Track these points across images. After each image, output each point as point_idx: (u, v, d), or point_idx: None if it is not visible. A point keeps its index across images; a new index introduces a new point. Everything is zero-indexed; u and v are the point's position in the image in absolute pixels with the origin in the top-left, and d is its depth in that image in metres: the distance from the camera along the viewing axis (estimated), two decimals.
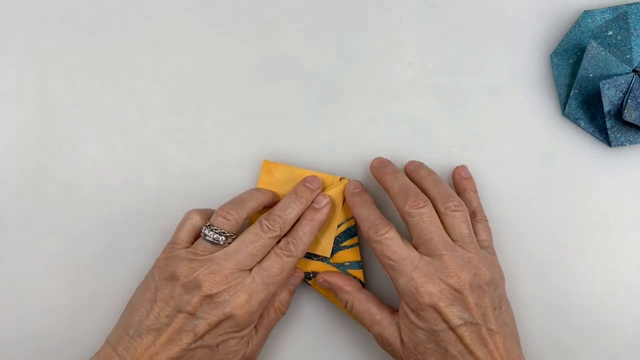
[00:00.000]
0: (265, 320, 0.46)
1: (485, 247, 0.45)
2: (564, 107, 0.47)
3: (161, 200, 0.50)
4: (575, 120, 0.47)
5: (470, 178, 0.48)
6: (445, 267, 0.41)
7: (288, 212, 0.45)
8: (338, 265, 0.47)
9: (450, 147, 0.49)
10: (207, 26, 0.50)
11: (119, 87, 0.50)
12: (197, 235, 0.45)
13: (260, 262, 0.44)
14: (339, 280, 0.46)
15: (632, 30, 0.46)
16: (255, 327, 0.45)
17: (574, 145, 0.48)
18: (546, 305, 0.48)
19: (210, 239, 0.43)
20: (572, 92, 0.47)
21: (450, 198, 0.44)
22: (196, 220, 0.45)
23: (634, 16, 0.46)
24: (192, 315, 0.42)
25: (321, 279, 0.46)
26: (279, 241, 0.45)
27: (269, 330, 0.46)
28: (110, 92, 0.50)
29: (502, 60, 0.48)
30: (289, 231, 0.45)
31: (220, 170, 0.50)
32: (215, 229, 0.43)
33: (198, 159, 0.50)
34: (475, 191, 0.47)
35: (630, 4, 0.46)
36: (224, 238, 0.43)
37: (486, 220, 0.46)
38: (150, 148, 0.50)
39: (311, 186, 0.46)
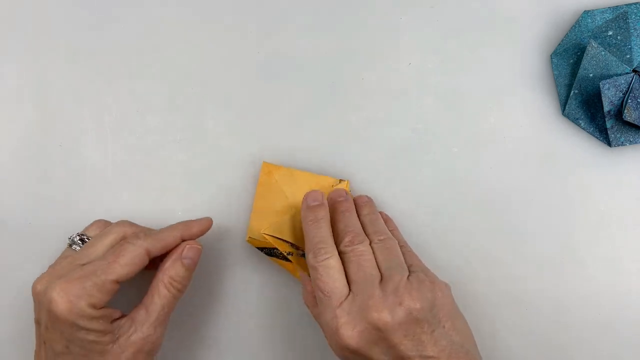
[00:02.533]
0: (157, 304, 0.42)
1: (415, 271, 0.42)
2: (564, 107, 0.47)
3: (161, 200, 0.50)
4: (575, 120, 0.47)
5: (373, 215, 0.45)
6: (368, 305, 0.39)
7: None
8: None
9: (450, 147, 0.49)
10: (207, 26, 0.50)
11: (119, 87, 0.50)
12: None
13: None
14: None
15: (632, 30, 0.46)
16: (145, 310, 0.42)
17: (574, 145, 0.48)
18: (546, 304, 0.48)
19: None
20: (572, 92, 0.47)
21: (377, 233, 0.43)
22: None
23: (634, 16, 0.46)
24: None
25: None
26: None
27: (165, 314, 0.42)
28: (110, 92, 0.50)
29: (502, 60, 0.48)
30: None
31: (220, 170, 0.50)
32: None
33: (198, 159, 0.50)
34: (380, 221, 0.45)
35: (630, 4, 0.46)
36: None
37: (405, 245, 0.45)
38: (150, 148, 0.50)
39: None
